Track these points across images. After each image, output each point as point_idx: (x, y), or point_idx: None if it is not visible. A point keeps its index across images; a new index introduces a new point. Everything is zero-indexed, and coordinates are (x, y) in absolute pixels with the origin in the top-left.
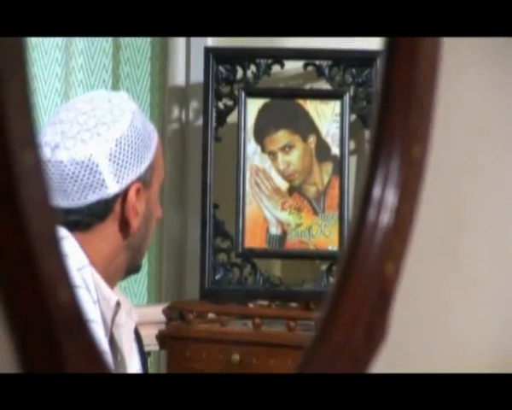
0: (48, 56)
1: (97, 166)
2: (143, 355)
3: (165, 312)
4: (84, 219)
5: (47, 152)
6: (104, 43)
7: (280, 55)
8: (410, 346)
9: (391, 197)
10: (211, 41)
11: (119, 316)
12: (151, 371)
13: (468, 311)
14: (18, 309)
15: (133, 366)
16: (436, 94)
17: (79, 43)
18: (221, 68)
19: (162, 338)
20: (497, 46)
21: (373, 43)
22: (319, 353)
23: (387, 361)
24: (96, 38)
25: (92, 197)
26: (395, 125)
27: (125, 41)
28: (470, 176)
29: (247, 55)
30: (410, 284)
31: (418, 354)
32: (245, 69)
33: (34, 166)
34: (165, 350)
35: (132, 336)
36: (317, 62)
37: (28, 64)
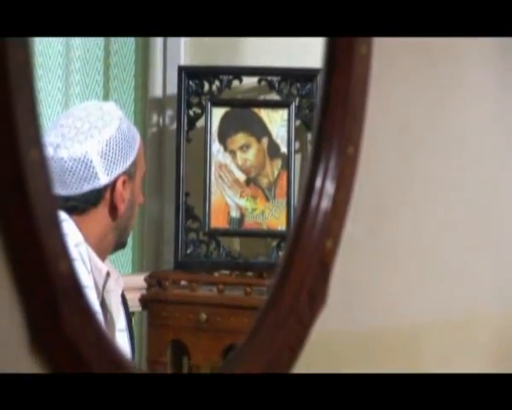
0: (51, 73)
1: (91, 162)
2: (128, 315)
3: (146, 280)
4: (80, 205)
5: (50, 151)
6: (97, 62)
7: (239, 73)
8: (350, 306)
9: (329, 187)
10: (183, 61)
11: (109, 283)
12: (135, 328)
13: (389, 275)
14: (25, 277)
15: (120, 323)
16: (366, 103)
17: (77, 62)
18: (191, 83)
19: (144, 301)
20: (421, 55)
21: (314, 62)
22: (271, 313)
23: (330, 320)
24: (91, 58)
25: (87, 187)
26: (333, 129)
27: (113, 61)
28: (393, 169)
29: (212, 73)
30: (346, 257)
31: (356, 314)
32: (210, 84)
33: (39, 162)
34: (146, 311)
35: (119, 299)
36: (269, 78)
37: (34, 79)
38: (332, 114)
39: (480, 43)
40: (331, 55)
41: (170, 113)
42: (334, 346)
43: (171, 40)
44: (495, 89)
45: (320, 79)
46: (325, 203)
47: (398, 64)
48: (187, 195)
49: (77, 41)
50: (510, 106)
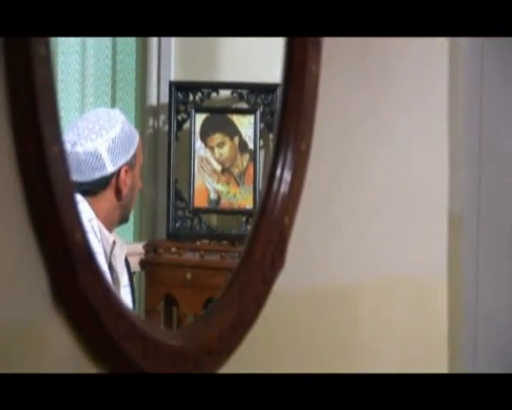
0: (70, 86)
1: (100, 155)
2: (130, 274)
3: (144, 247)
4: (92, 189)
5: (68, 147)
6: (106, 78)
7: (216, 86)
8: (303, 269)
9: (287, 175)
10: (173, 77)
11: (115, 250)
12: (135, 284)
13: (334, 244)
14: (49, 245)
15: (124, 281)
16: (315, 109)
17: (90, 78)
18: (179, 94)
19: (142, 264)
20: (359, 69)
21: (275, 78)
22: (241, 273)
23: (287, 279)
24: (101, 75)
25: (97, 175)
26: (289, 130)
27: (119, 77)
28: (337, 160)
29: (196, 86)
30: (299, 230)
31: (308, 274)
32: (194, 95)
33: (60, 156)
34: (144, 271)
35: (123, 262)
36: (240, 91)
37: (56, 91)
38: (288, 118)
39: (407, 55)
40: (288, 72)
41: (162, 117)
42: (290, 300)
43: (164, 60)
44: (421, 91)
45: (279, 91)
46: (283, 188)
47: (341, 77)
48: (176, 181)
49: (91, 61)
50: (433, 106)
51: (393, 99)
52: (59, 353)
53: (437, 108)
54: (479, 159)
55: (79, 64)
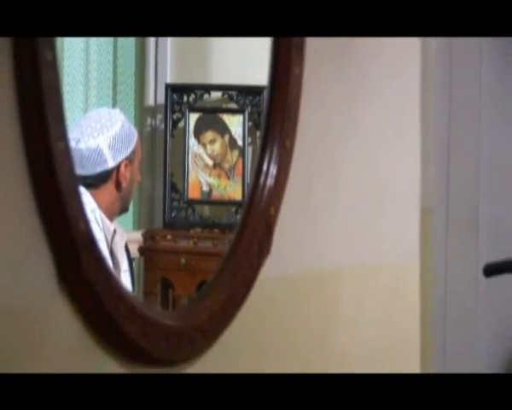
0: (75, 88)
1: (102, 151)
2: (130, 260)
3: (142, 235)
4: (94, 182)
5: (73, 143)
6: (108, 81)
7: (208, 88)
8: (287, 255)
9: (272, 170)
10: (169, 79)
11: (116, 237)
12: (134, 269)
13: (315, 232)
14: (55, 234)
15: (124, 266)
16: (299, 109)
17: (94, 81)
18: (174, 96)
19: (141, 250)
20: (338, 75)
21: (262, 81)
22: (231, 259)
23: (273, 265)
24: (104, 78)
25: (99, 169)
26: (274, 128)
27: (120, 80)
28: (318, 156)
29: (189, 88)
30: (284, 219)
31: (292, 260)
32: (188, 96)
33: (65, 151)
34: (142, 257)
35: (123, 248)
36: (230, 92)
37: (61, 92)
38: (274, 118)
39: (382, 58)
40: (273, 75)
41: (159, 117)
42: (275, 284)
43: (161, 65)
44: (395, 91)
45: (265, 93)
46: (269, 181)
47: (322, 80)
48: (171, 175)
49: (94, 65)
50: (406, 106)
51: (369, 100)
52: (64, 332)
53: (410, 107)
54: (448, 156)
55: (83, 68)
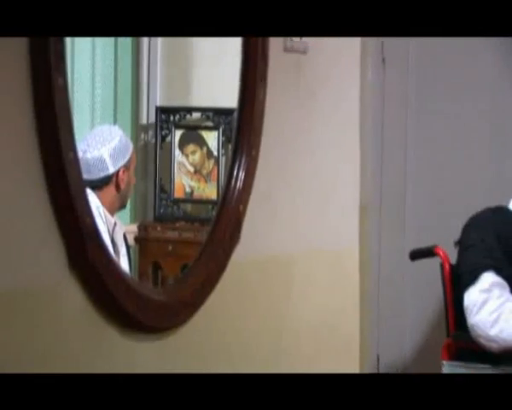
0: (83, 109)
1: (104, 160)
2: (127, 247)
3: (138, 227)
4: (99, 185)
5: (80, 153)
6: (110, 102)
7: (190, 110)
8: (253, 243)
9: (241, 175)
10: (159, 103)
11: (116, 229)
12: (131, 255)
13: (275, 224)
14: (66, 227)
15: (123, 252)
16: (262, 125)
17: (99, 104)
18: (163, 116)
19: (136, 239)
20: (298, 91)
21: (233, 104)
22: (208, 247)
23: (241, 251)
24: (107, 101)
25: (102, 174)
26: (243, 141)
27: (119, 103)
28: (277, 162)
29: (175, 110)
30: (250, 215)
31: (256, 247)
32: (174, 116)
33: (74, 160)
34: (137, 245)
35: (122, 238)
36: (207, 113)
37: (71, 110)
38: (242, 133)
39: (328, 82)
40: (242, 99)
41: (151, 132)
42: (244, 266)
43: (152, 90)
44: (338, 110)
45: (236, 113)
46: (239, 184)
47: (280, 102)
48: (160, 179)
49: (99, 91)
50: (347, 122)
51: (318, 120)
52: (73, 307)
53: (350, 126)
54: (381, 165)
55: (90, 92)
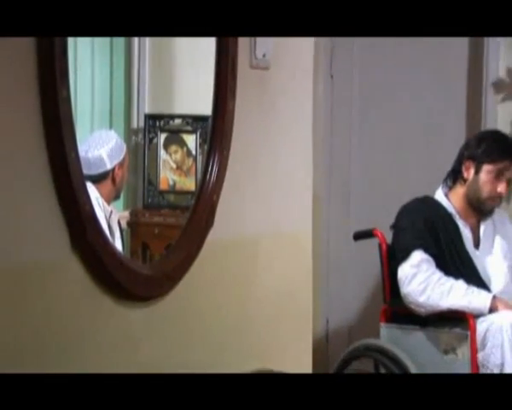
0: (84, 116)
1: (102, 158)
2: (121, 231)
3: (129, 213)
4: (97, 179)
5: (82, 153)
6: (105, 113)
7: (173, 117)
8: (225, 227)
9: (215, 169)
10: (147, 110)
11: (112, 216)
12: (124, 237)
13: (243, 209)
14: (69, 214)
15: (117, 235)
16: (232, 130)
17: (97, 114)
18: (150, 121)
19: (128, 224)
20: (262, 103)
21: (207, 111)
22: (187, 230)
23: (215, 234)
24: (104, 111)
25: (100, 170)
26: (216, 142)
27: (114, 111)
28: (244, 160)
29: (160, 117)
30: (222, 203)
31: (221, 230)
32: (159, 122)
33: (76, 159)
34: (129, 229)
35: (117, 223)
36: (187, 119)
37: (73, 118)
38: (215, 136)
39: (288, 95)
40: (215, 109)
41: (140, 136)
42: (217, 247)
43: (141, 100)
44: (296, 117)
45: (210, 120)
46: (213, 178)
47: (247, 112)
48: (148, 174)
49: (97, 101)
50: (302, 129)
51: (277, 123)
52: (74, 280)
53: (305, 129)
54: (330, 162)
55: (89, 102)
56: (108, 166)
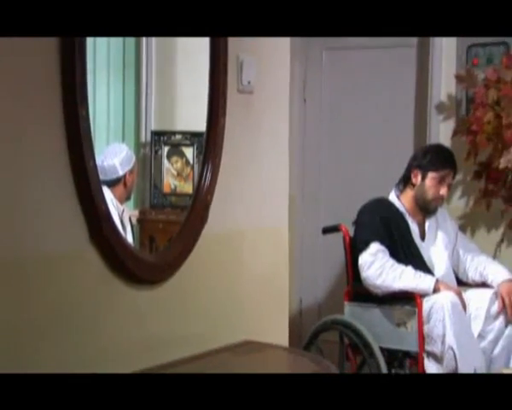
0: (101, 132)
1: (116, 166)
2: (132, 226)
3: (138, 212)
4: (111, 183)
5: (99, 162)
6: (119, 129)
7: (174, 133)
8: (218, 221)
9: (209, 176)
10: (153, 127)
11: (124, 213)
12: (134, 232)
13: (231, 204)
14: (88, 211)
15: (128, 229)
16: (223, 143)
17: (111, 131)
18: (156, 137)
19: (138, 221)
20: (248, 119)
21: (203, 128)
22: (186, 225)
23: (208, 229)
24: (117, 127)
25: (114, 176)
26: (209, 154)
27: (126, 129)
28: (232, 169)
29: (164, 133)
30: (215, 203)
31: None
32: (163, 137)
33: (94, 167)
34: (138, 225)
35: (128, 220)
36: (186, 135)
37: (91, 134)
38: (209, 148)
39: (269, 111)
40: (209, 125)
41: (147, 148)
42: (210, 240)
43: (148, 119)
44: (274, 130)
45: (205, 135)
46: (207, 183)
47: (235, 127)
48: (154, 179)
49: (112, 120)
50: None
51: (261, 138)
52: (92, 267)
53: (283, 143)
54: (303, 167)
55: (106, 120)
56: (120, 173)
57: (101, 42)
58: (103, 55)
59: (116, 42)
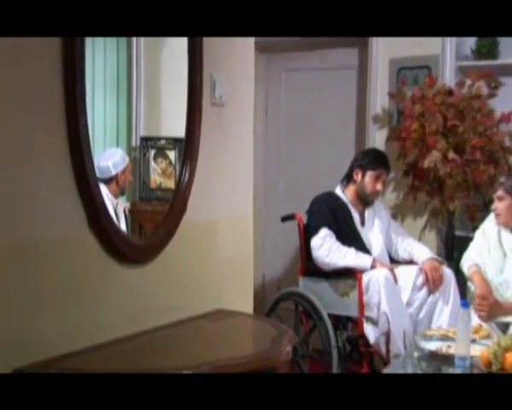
0: (99, 139)
1: (109, 167)
2: (125, 216)
3: (130, 204)
4: (106, 181)
5: (96, 163)
6: (113, 136)
7: (160, 138)
8: (194, 210)
9: (187, 176)
10: (143, 133)
11: (118, 206)
12: (127, 221)
13: (199, 196)
14: (87, 204)
15: (122, 219)
16: (199, 149)
17: (108, 135)
18: (144, 142)
19: (130, 211)
20: (222, 130)
21: (182, 134)
22: (169, 215)
23: (187, 217)
24: (112, 134)
25: (108, 175)
26: (188, 158)
27: (120, 135)
28: (205, 170)
29: (151, 139)
30: (193, 198)
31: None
32: (150, 142)
33: (92, 167)
34: (130, 214)
35: (122, 211)
36: (169, 140)
37: (90, 140)
38: (187, 153)
39: (235, 120)
40: (187, 133)
41: (137, 151)
42: (188, 226)
43: (138, 126)
44: (241, 138)
45: (184, 141)
46: (186, 180)
47: (210, 136)
48: (143, 177)
49: (108, 128)
50: (246, 143)
51: (230, 143)
52: (91, 250)
53: (248, 146)
54: (265, 166)
55: (102, 128)
56: (113, 173)
57: (99, 61)
58: (100, 73)
59: (111, 61)
